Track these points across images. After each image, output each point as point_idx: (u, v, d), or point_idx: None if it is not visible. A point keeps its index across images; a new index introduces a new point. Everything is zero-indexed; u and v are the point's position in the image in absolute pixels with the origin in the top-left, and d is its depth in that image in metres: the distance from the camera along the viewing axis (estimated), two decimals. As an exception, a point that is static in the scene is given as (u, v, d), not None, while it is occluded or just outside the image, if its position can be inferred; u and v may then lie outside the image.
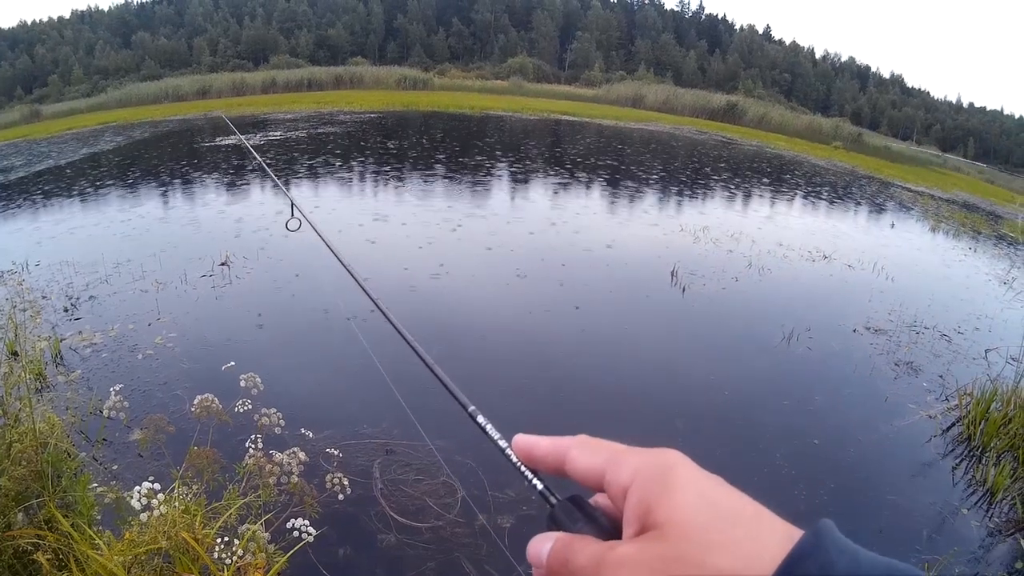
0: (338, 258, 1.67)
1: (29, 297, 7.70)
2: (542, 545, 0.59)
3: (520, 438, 0.69)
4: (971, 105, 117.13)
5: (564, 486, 0.65)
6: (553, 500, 0.64)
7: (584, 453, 0.62)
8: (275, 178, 3.47)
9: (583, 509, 0.62)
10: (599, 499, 0.64)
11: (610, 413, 5.83)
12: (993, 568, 4.38)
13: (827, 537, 0.47)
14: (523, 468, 0.69)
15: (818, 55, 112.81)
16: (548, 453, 0.66)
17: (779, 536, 0.48)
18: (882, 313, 8.77)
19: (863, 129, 57.80)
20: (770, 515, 0.50)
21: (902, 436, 5.88)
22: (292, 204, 2.70)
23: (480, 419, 0.78)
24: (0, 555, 3.03)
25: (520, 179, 16.79)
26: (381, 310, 0.97)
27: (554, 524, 0.62)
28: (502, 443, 0.72)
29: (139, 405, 5.28)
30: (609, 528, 0.59)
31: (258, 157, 3.74)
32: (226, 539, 2.72)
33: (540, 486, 0.67)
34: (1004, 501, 5.10)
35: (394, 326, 0.97)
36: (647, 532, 0.52)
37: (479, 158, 19.43)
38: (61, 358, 6.23)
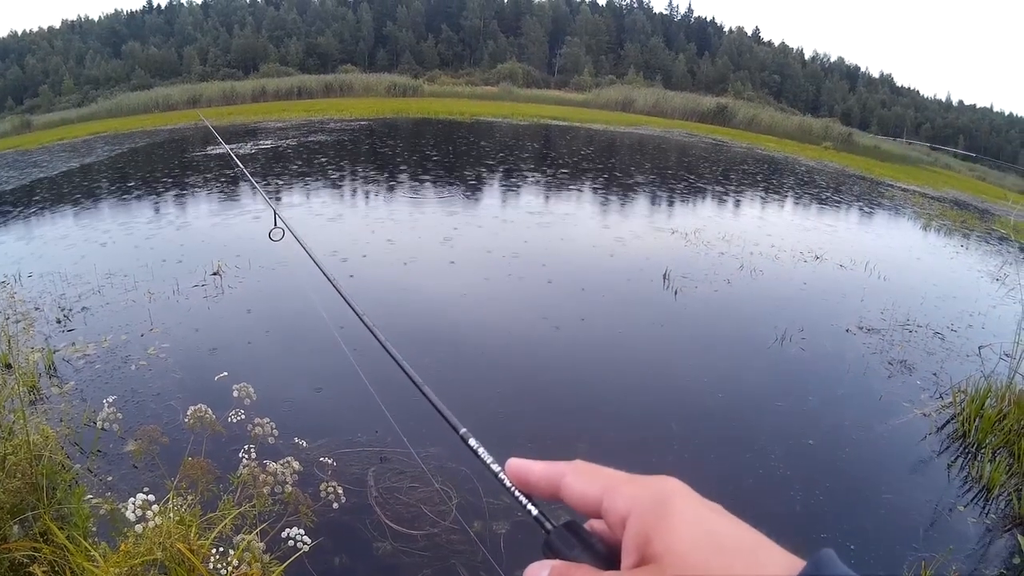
0: (323, 271, 1.67)
1: (21, 309, 7.69)
2: (538, 573, 0.58)
3: (513, 462, 0.67)
4: (960, 103, 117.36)
5: (558, 510, 0.63)
6: (548, 526, 0.62)
7: (580, 480, 0.61)
8: (259, 188, 3.47)
9: (579, 536, 0.60)
10: (595, 524, 0.63)
11: (604, 417, 5.83)
12: (991, 564, 4.39)
13: (827, 567, 0.46)
14: (517, 493, 0.67)
15: (807, 56, 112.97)
16: (542, 478, 0.64)
17: (780, 567, 0.47)
18: (875, 312, 8.79)
19: (853, 129, 57.87)
20: (770, 545, 0.50)
21: (897, 435, 5.89)
22: (275, 214, 2.70)
23: (472, 442, 0.76)
24: (-5, 568, 3.02)
25: (510, 184, 16.79)
26: (369, 328, 0.96)
27: (550, 551, 0.60)
28: (495, 467, 0.70)
29: (133, 416, 5.27)
30: (606, 555, 0.58)
31: (240, 165, 3.73)
32: (221, 549, 2.72)
33: (535, 511, 0.65)
34: (1000, 497, 5.12)
35: (382, 345, 0.96)
36: (646, 563, 0.51)
37: (470, 163, 19.46)
38: (54, 370, 6.22)
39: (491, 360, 6.89)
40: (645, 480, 0.57)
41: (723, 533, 0.50)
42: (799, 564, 0.47)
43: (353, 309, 1.00)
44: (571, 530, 0.61)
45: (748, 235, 12.39)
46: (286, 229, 2.52)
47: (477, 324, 7.79)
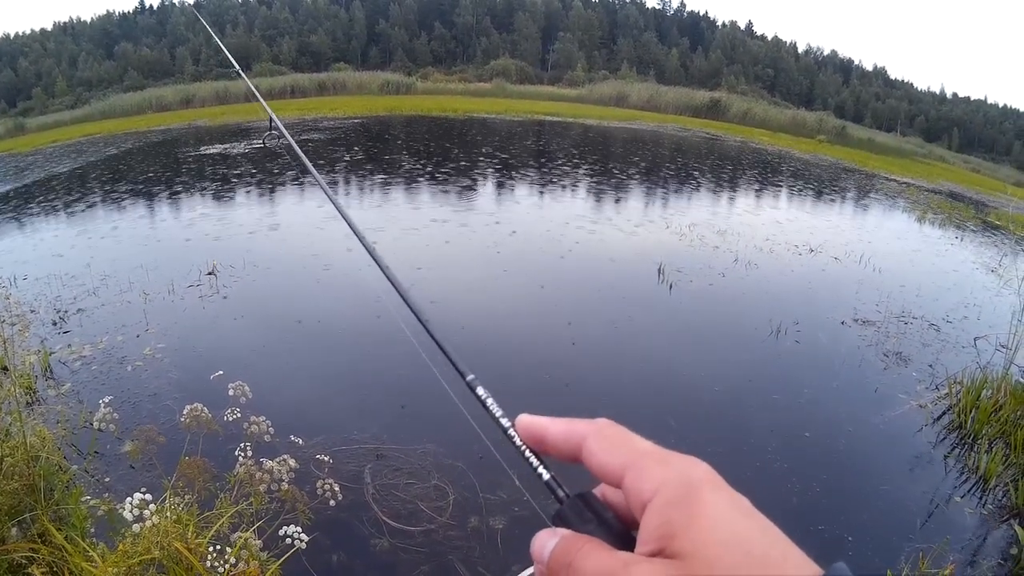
0: (322, 187, 1.66)
1: (17, 311, 7.65)
2: (546, 541, 0.56)
3: (526, 419, 0.65)
4: (955, 95, 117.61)
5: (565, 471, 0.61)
6: (561, 494, 0.60)
7: (603, 447, 0.58)
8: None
9: (594, 509, 0.58)
10: (606, 491, 0.61)
11: (600, 412, 5.77)
12: (988, 555, 4.40)
13: None
14: (528, 453, 0.63)
15: (800, 49, 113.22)
16: (561, 439, 0.61)
17: None
18: (870, 305, 8.80)
19: (847, 122, 57.94)
20: (797, 553, 0.48)
21: (893, 426, 5.90)
22: (271, 119, 2.63)
23: (480, 391, 0.70)
24: (-6, 570, 3.02)
25: (503, 180, 16.81)
26: (381, 266, 0.92)
27: (560, 521, 0.58)
28: (505, 422, 0.66)
29: (129, 417, 5.27)
30: (620, 531, 0.56)
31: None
32: (219, 548, 2.72)
33: (547, 476, 0.62)
34: (997, 488, 5.13)
35: (393, 284, 0.90)
36: (667, 556, 0.49)
37: (462, 161, 19.43)
38: (51, 371, 6.22)
39: (483, 356, 6.89)
40: (673, 460, 0.55)
41: (753, 537, 0.48)
42: (818, 573, 0.46)
43: (362, 241, 0.97)
44: (585, 502, 0.59)
45: (742, 229, 12.40)
46: (281, 129, 2.44)
47: (468, 321, 7.79)
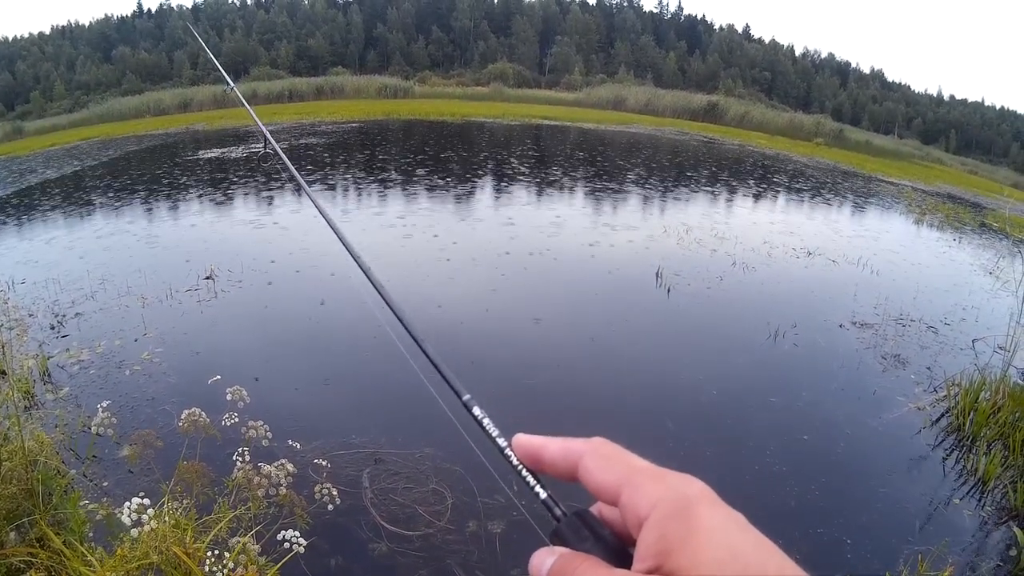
0: (318, 207, 1.65)
1: (15, 315, 7.66)
2: (544, 559, 0.57)
3: (523, 438, 0.65)
4: (952, 97, 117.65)
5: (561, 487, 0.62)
6: (558, 512, 0.60)
7: (599, 465, 0.59)
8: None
9: (591, 526, 0.58)
10: (603, 510, 0.61)
11: (598, 416, 5.82)
12: (987, 557, 4.40)
13: None
14: (524, 472, 0.63)
15: (798, 52, 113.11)
16: (559, 457, 0.62)
17: None
18: (868, 307, 8.80)
19: (844, 125, 57.96)
20: (792, 569, 0.48)
21: (891, 429, 5.90)
22: (265, 139, 2.62)
23: (476, 411, 0.70)
24: (-8, 575, 3.02)
25: (501, 183, 16.81)
26: (375, 285, 0.92)
27: (559, 540, 0.58)
28: (501, 441, 0.66)
29: (127, 421, 5.26)
30: (617, 549, 0.57)
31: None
32: (217, 552, 2.72)
33: (543, 495, 0.62)
34: (996, 490, 5.14)
35: (388, 303, 0.90)
36: (663, 574, 0.49)
37: (459, 165, 19.44)
38: (49, 376, 6.21)
39: (480, 360, 6.89)
40: (669, 479, 0.55)
41: (749, 555, 0.48)
42: None
43: (356, 259, 0.97)
44: (583, 520, 0.59)
45: (740, 232, 12.40)
46: (276, 149, 2.41)
47: (462, 325, 7.78)
